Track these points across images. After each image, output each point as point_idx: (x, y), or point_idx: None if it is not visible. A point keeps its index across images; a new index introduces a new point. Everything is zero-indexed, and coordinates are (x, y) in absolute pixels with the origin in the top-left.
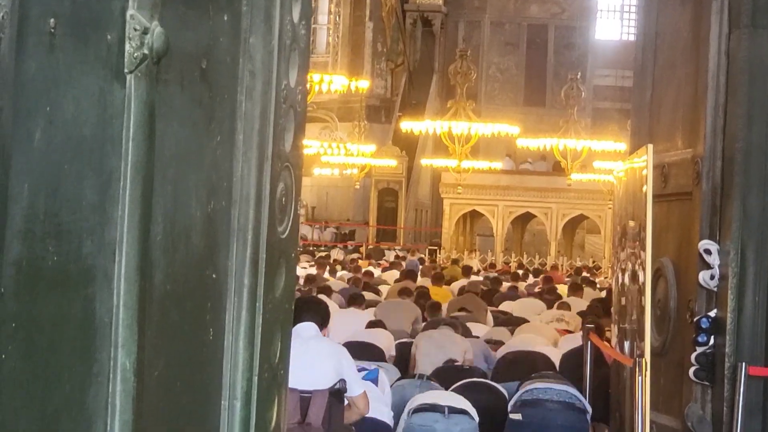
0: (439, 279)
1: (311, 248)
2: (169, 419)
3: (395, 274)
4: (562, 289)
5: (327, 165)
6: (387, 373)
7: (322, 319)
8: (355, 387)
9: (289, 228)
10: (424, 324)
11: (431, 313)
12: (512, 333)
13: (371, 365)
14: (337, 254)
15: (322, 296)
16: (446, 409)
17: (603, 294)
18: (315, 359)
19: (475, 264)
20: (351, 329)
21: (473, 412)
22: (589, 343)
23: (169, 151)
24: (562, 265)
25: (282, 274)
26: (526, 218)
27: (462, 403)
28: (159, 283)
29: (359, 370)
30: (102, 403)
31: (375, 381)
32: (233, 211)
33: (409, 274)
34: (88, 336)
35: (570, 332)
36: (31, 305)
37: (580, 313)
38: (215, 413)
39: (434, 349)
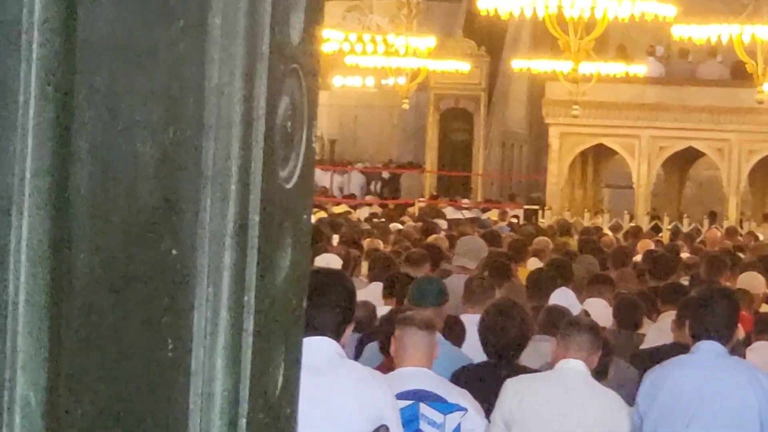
0: (520, 252)
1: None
2: None
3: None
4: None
5: (355, 71)
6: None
7: (343, 316)
8: None
9: (298, 173)
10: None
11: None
12: None
13: (455, 399)
14: (364, 215)
15: None
16: None
17: None
18: (336, 395)
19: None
20: None
21: None
22: None
23: (99, 45)
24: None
25: (287, 247)
26: (687, 158)
27: None
28: (83, 265)
29: (438, 409)
30: None
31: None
32: (206, 145)
33: (493, 241)
34: None
35: None
36: None
37: None
38: None
39: None
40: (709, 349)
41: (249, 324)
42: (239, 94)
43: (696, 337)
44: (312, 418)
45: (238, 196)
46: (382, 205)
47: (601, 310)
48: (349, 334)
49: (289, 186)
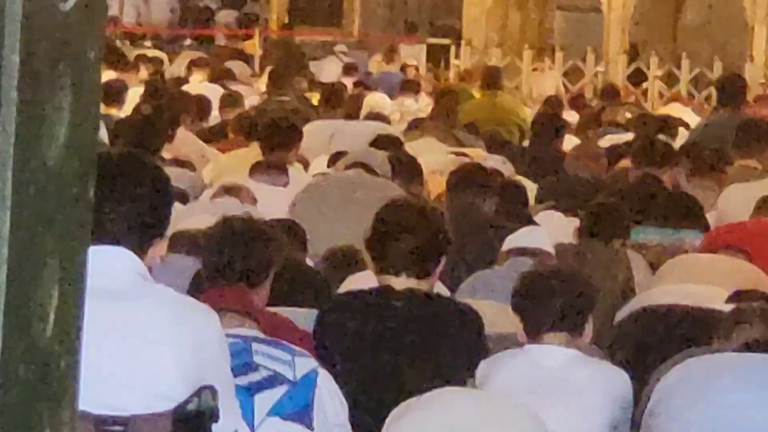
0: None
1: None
2: None
3: None
4: None
5: None
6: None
7: (149, 218)
8: (230, 415)
9: None
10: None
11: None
12: None
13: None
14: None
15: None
16: None
17: None
18: (138, 336)
19: (552, 83)
20: None
21: None
22: None
23: None
24: None
25: (63, 110)
26: None
27: None
28: None
29: (280, 348)
30: None
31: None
32: None
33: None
34: None
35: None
36: None
37: None
38: None
39: None
40: None
41: (4, 223)
42: None
43: None
44: (99, 370)
45: None
46: (202, 41)
47: (559, 228)
48: (159, 252)
49: (66, 8)
